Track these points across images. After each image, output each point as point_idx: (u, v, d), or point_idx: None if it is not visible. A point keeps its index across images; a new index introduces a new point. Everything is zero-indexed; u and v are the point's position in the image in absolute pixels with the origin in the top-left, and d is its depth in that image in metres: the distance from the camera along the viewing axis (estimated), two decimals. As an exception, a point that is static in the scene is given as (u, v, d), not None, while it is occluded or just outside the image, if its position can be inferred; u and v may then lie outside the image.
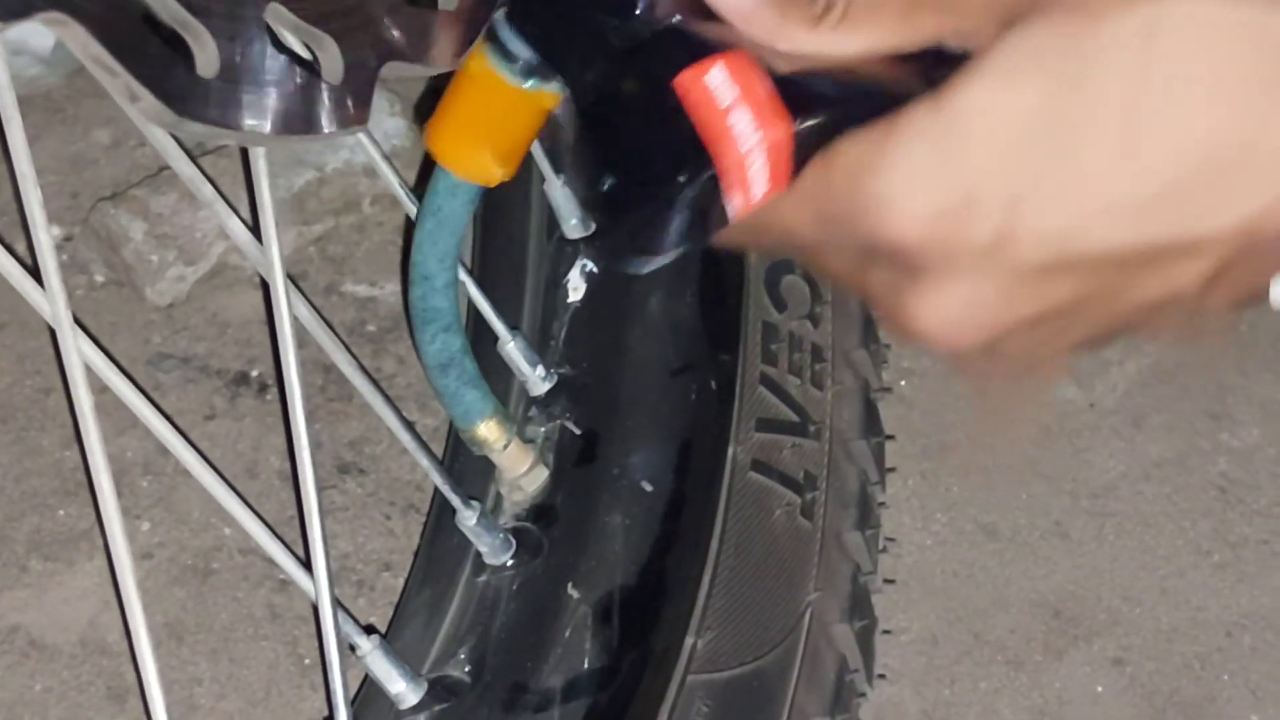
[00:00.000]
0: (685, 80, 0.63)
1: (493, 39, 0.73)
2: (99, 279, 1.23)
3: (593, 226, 1.07)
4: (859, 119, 0.60)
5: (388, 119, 1.27)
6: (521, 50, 0.72)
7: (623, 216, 0.66)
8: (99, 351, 0.80)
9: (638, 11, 0.64)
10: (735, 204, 0.62)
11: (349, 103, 0.66)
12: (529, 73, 0.72)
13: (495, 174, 0.79)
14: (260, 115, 0.64)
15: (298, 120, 0.64)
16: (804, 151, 0.62)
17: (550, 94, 0.75)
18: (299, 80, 0.63)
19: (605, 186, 0.67)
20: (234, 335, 1.21)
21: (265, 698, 1.05)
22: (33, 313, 0.78)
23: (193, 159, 0.86)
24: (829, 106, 0.61)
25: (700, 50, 0.63)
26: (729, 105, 0.62)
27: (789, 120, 0.61)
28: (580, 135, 0.68)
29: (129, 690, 1.04)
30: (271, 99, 0.64)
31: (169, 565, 1.10)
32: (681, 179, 0.63)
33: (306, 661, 1.07)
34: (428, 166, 1.30)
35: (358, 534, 1.12)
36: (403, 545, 1.12)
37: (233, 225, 0.83)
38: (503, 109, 0.75)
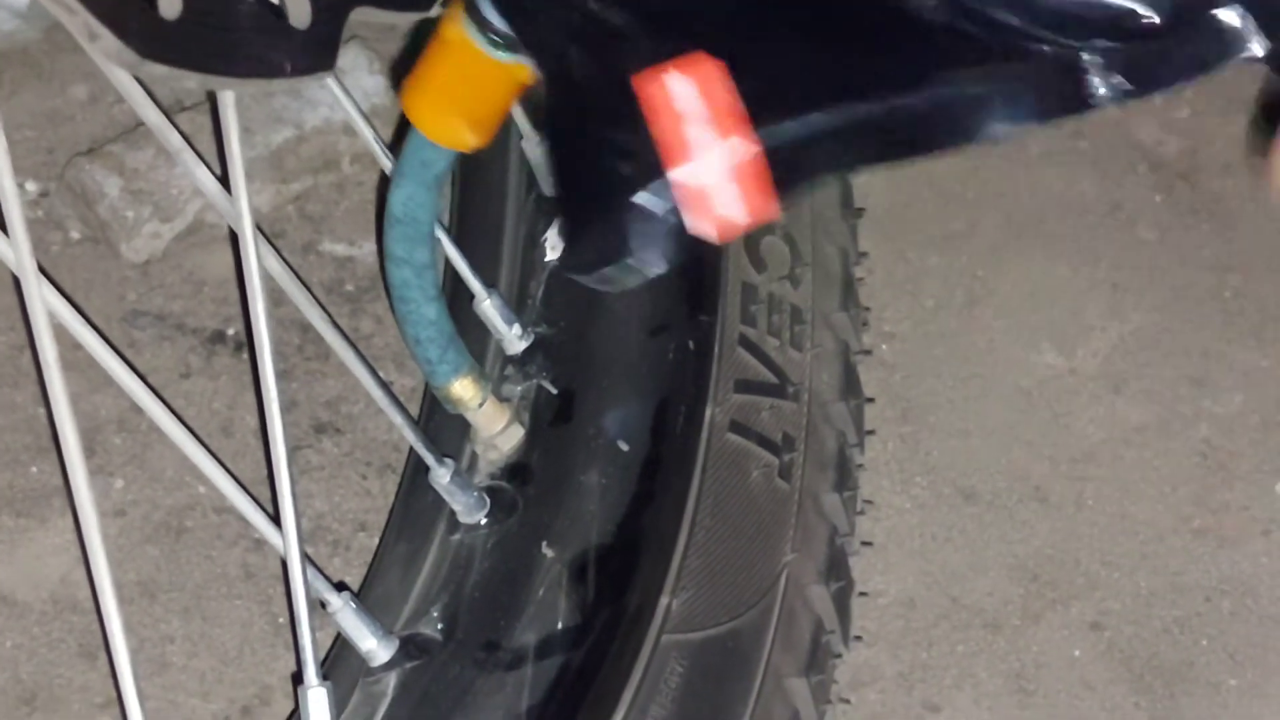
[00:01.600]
0: (644, 79, 0.59)
1: (470, 8, 0.72)
2: (74, 235, 1.22)
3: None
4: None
5: (366, 76, 1.26)
6: (497, 21, 0.70)
7: (580, 223, 0.63)
8: (65, 302, 0.79)
9: None
10: (695, 221, 0.58)
11: (316, 48, 0.65)
12: (504, 45, 0.71)
13: (468, 141, 0.78)
14: (224, 58, 0.63)
15: (262, 64, 0.63)
16: (788, 171, 0.57)
17: (525, 71, 0.74)
18: (264, 23, 0.62)
19: (566, 189, 0.64)
20: (210, 293, 1.20)
21: (238, 656, 1.04)
22: (7, 268, 0.78)
23: (167, 115, 0.85)
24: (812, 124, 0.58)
25: (671, 49, 0.59)
26: (687, 113, 0.58)
27: (754, 139, 0.57)
28: (547, 129, 0.65)
29: (100, 647, 1.04)
30: (235, 41, 0.63)
31: (142, 523, 1.09)
32: (633, 181, 0.59)
33: (280, 621, 1.06)
34: (405, 124, 1.29)
35: (333, 494, 1.11)
36: (379, 505, 1.11)
37: (200, 174, 0.82)
38: (478, 78, 0.74)
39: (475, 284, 1.00)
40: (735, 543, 0.98)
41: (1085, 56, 0.54)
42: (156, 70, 0.61)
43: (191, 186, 1.20)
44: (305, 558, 0.83)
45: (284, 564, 0.86)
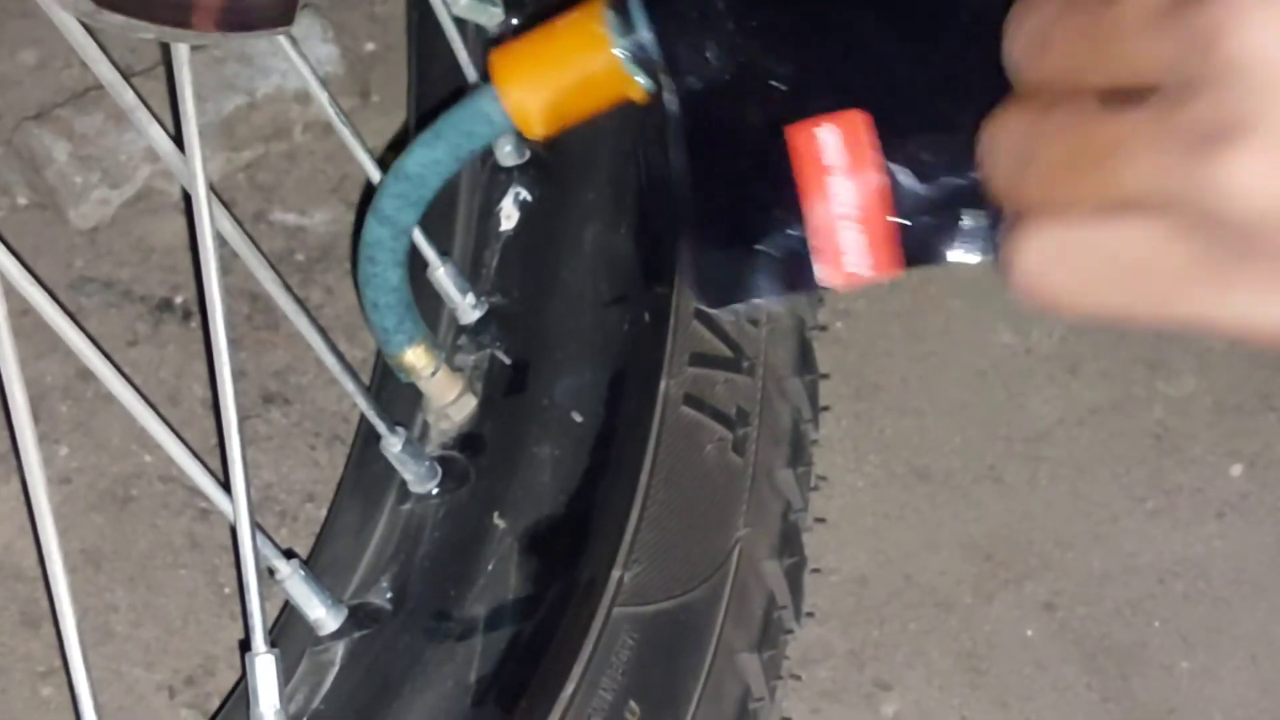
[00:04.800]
0: (796, 129, 0.60)
1: (617, 3, 0.71)
2: (21, 201, 1.20)
3: (526, 154, 1.04)
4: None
5: (319, 45, 1.25)
6: (641, 28, 0.69)
7: (706, 250, 0.64)
8: (16, 263, 0.78)
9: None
10: (824, 272, 0.60)
11: (275, 1, 0.64)
12: (636, 54, 0.69)
13: (538, 127, 0.76)
14: (181, 8, 0.62)
15: (221, 16, 0.62)
16: (921, 240, 0.59)
17: (641, 88, 0.72)
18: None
19: (696, 213, 0.65)
20: (158, 261, 1.18)
21: (183, 626, 1.03)
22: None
23: (122, 74, 0.84)
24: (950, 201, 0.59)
25: (827, 104, 0.60)
26: (832, 166, 0.59)
27: (889, 204, 0.59)
28: (682, 152, 0.65)
29: (43, 617, 1.02)
30: (193, -10, 0.61)
31: (87, 491, 1.07)
32: (768, 225, 0.60)
33: (226, 591, 1.05)
34: (364, 95, 1.28)
35: (281, 464, 1.10)
36: (327, 476, 1.10)
37: (153, 133, 0.80)
38: (590, 73, 0.73)
39: (429, 252, 0.99)
40: (688, 516, 0.97)
41: None
42: (114, 20, 0.59)
43: (141, 152, 1.18)
44: (255, 523, 0.82)
45: (233, 531, 0.84)
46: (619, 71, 0.72)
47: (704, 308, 0.65)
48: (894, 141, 0.58)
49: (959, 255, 0.60)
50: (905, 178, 0.59)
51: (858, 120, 0.59)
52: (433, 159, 0.81)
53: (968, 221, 0.59)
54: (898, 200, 0.59)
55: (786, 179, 0.60)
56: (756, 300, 0.62)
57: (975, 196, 0.58)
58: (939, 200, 0.58)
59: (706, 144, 0.65)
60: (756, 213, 0.61)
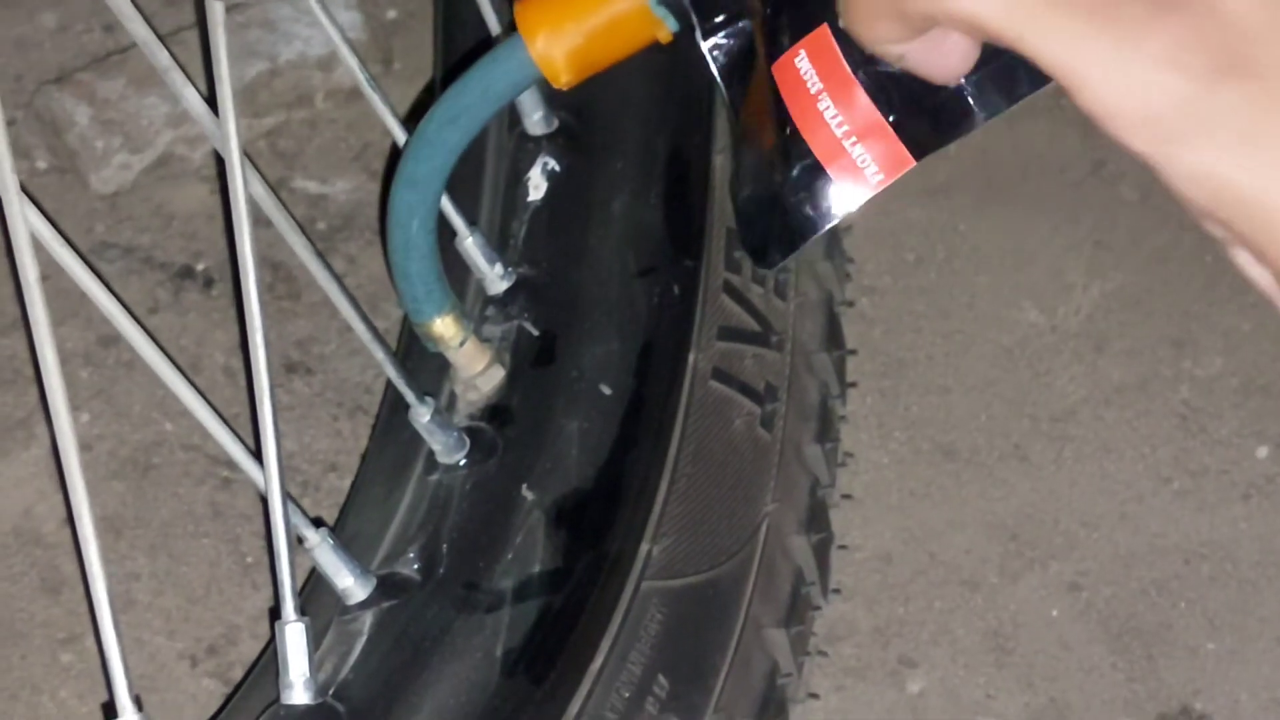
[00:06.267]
0: (780, 65, 0.60)
1: None
2: (41, 165, 1.19)
3: (555, 123, 1.03)
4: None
5: (343, 11, 1.24)
6: None
7: (747, 207, 0.64)
8: (47, 223, 0.77)
9: None
10: (851, 192, 0.59)
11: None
12: None
13: (564, 75, 0.75)
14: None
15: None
16: (920, 125, 0.58)
17: (667, 29, 0.72)
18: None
19: (736, 169, 0.65)
20: (179, 228, 1.18)
21: (205, 595, 1.02)
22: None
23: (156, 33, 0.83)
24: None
25: (801, 29, 0.60)
26: (819, 91, 0.59)
27: (877, 105, 0.58)
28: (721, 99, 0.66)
29: (64, 582, 1.01)
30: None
31: (108, 458, 1.07)
32: (790, 165, 0.60)
33: (249, 560, 1.04)
34: (386, 62, 1.27)
35: (304, 434, 1.09)
36: (350, 447, 1.09)
37: (189, 94, 0.79)
38: (616, 15, 0.72)
39: (458, 221, 0.98)
40: (716, 491, 0.96)
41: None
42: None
43: (163, 117, 1.17)
44: (285, 490, 0.81)
45: (262, 498, 0.84)
46: (645, 13, 0.71)
47: (761, 269, 0.64)
48: (856, 42, 0.58)
49: (961, 126, 0.59)
50: (882, 69, 0.58)
51: (823, 36, 0.59)
52: (458, 116, 0.81)
53: (949, 92, 0.58)
54: (884, 97, 0.58)
55: (788, 115, 0.60)
56: (805, 244, 0.62)
57: None
58: (918, 81, 0.57)
59: (737, 89, 0.65)
60: (779, 154, 0.61)
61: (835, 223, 0.61)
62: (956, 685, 1.04)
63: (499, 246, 1.01)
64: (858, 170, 0.59)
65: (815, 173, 0.59)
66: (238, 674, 0.99)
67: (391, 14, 1.28)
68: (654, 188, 1.02)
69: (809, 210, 0.60)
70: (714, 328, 0.99)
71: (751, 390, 1.00)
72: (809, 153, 0.59)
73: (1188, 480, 1.13)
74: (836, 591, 1.03)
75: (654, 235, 1.01)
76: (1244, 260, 0.50)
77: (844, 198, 0.60)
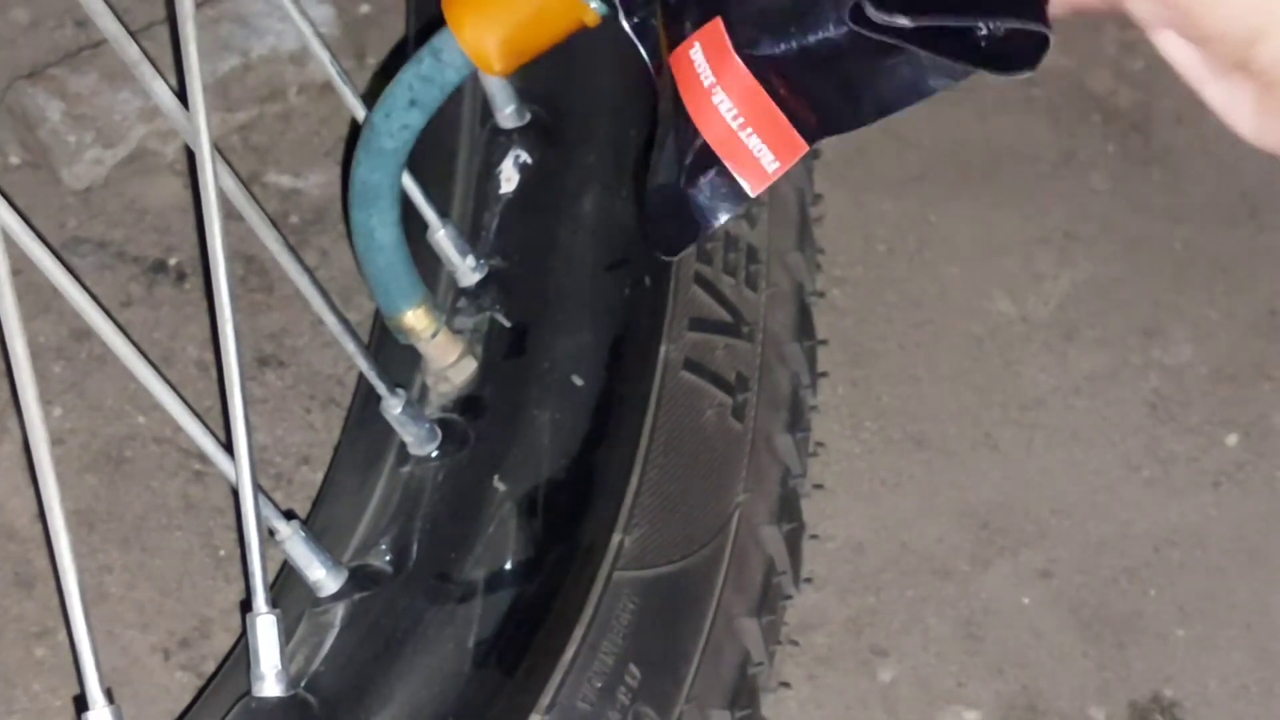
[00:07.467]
0: (675, 56, 0.60)
1: None
2: (14, 160, 1.19)
3: (527, 116, 1.04)
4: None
5: (315, 6, 1.24)
6: None
7: (648, 197, 0.64)
8: (18, 219, 0.77)
9: None
10: (747, 181, 0.60)
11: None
12: None
13: (496, 63, 0.75)
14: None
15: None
16: (811, 109, 0.59)
17: (594, 12, 0.72)
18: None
19: (643, 160, 0.66)
20: (152, 222, 1.18)
21: (177, 588, 1.02)
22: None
23: (126, 28, 0.83)
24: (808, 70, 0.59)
25: (697, 19, 0.60)
26: (711, 83, 0.59)
27: (766, 93, 0.59)
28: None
29: (37, 576, 1.02)
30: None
31: (80, 452, 1.07)
32: (685, 154, 0.60)
33: (221, 553, 1.04)
34: (359, 56, 1.27)
35: (276, 427, 1.09)
36: (322, 439, 1.09)
37: (157, 88, 0.80)
38: (543, 2, 0.72)
39: (429, 213, 0.98)
40: (688, 481, 0.97)
41: None
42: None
43: (135, 112, 1.17)
44: (256, 483, 0.81)
45: (234, 490, 0.84)
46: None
47: (662, 257, 0.64)
48: (745, 31, 0.58)
49: (850, 116, 0.59)
50: (772, 59, 0.58)
51: (716, 28, 0.59)
52: (398, 110, 0.81)
53: (840, 78, 0.59)
54: (773, 86, 0.59)
55: (684, 106, 0.61)
56: (702, 233, 0.63)
57: (835, 48, 0.58)
58: (809, 65, 0.58)
59: (662, 75, 0.65)
60: (678, 145, 0.61)
61: (737, 213, 0.61)
62: (928, 674, 1.04)
63: (471, 239, 1.01)
64: (753, 160, 0.59)
65: (712, 162, 0.60)
66: (210, 667, 1.00)
67: (364, 8, 1.28)
68: (626, 180, 1.03)
69: (709, 200, 0.61)
70: (685, 319, 1.00)
71: (723, 381, 1.00)
72: (705, 145, 0.60)
73: (1158, 468, 1.14)
74: (808, 581, 1.03)
75: (626, 227, 1.01)
76: (1166, 41, 0.51)
77: (743, 186, 0.60)
